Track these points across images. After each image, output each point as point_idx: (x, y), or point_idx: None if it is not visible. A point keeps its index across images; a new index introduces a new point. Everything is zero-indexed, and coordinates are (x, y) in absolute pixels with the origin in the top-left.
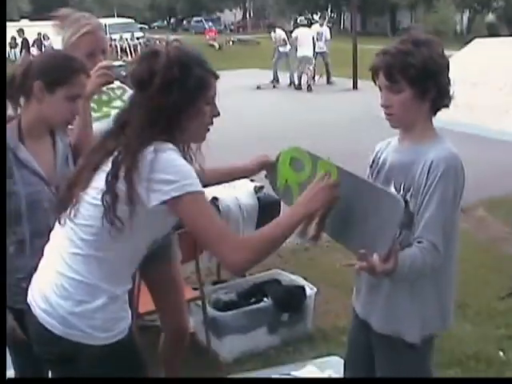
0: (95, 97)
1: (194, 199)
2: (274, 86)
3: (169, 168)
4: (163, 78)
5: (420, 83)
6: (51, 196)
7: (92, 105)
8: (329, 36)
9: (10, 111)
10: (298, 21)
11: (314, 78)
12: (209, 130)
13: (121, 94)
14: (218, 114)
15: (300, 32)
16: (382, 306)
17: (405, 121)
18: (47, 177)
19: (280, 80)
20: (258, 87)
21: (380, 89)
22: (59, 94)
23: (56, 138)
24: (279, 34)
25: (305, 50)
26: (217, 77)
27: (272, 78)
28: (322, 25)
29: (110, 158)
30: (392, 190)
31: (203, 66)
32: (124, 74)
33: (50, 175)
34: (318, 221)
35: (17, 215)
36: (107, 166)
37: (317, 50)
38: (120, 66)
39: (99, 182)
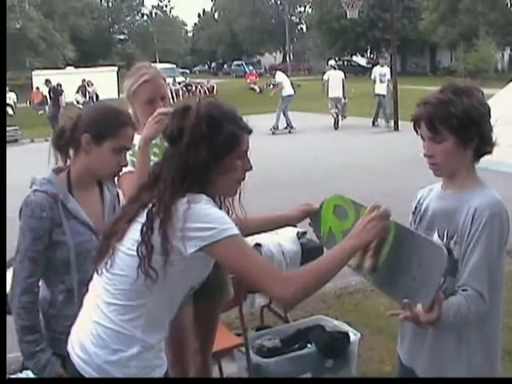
0: (157, 142)
1: (233, 242)
2: (289, 132)
3: (203, 217)
4: (191, 135)
5: (462, 132)
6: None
7: (154, 150)
8: (389, 76)
9: (60, 162)
10: (329, 64)
11: (343, 117)
12: (240, 184)
13: None
14: (251, 168)
15: (331, 74)
16: (428, 353)
17: (448, 169)
18: (95, 226)
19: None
20: (273, 132)
21: (422, 138)
22: (106, 147)
23: (104, 188)
24: (279, 77)
25: (335, 92)
26: (250, 132)
27: (286, 124)
28: (383, 65)
29: (145, 210)
30: (435, 238)
31: (235, 122)
32: None
33: (98, 225)
34: (373, 252)
35: (65, 264)
36: (142, 218)
37: (379, 91)
38: None
39: (134, 233)
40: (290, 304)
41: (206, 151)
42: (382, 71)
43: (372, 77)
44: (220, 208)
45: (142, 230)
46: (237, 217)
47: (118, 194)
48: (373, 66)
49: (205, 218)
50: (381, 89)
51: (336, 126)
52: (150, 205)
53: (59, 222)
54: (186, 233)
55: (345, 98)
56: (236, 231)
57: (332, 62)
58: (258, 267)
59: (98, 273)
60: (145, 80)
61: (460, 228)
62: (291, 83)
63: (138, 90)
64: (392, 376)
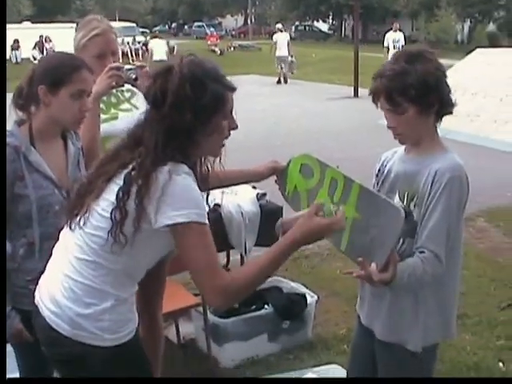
0: (104, 98)
1: (197, 229)
2: None
3: (179, 194)
4: (176, 97)
5: (422, 100)
6: (62, 199)
7: (100, 106)
8: (403, 42)
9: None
10: (276, 27)
11: (291, 73)
12: (224, 144)
13: (129, 97)
14: (236, 127)
15: (278, 37)
16: (386, 314)
17: (413, 138)
18: (58, 180)
19: None
20: None
21: (383, 110)
22: (63, 94)
23: (68, 141)
24: (151, 43)
25: (281, 51)
26: (234, 89)
27: None
28: (396, 30)
29: (124, 171)
30: (396, 200)
31: (219, 81)
32: (134, 76)
33: (60, 178)
34: None
35: (27, 218)
36: (120, 179)
37: None
38: (130, 69)
39: (111, 194)
40: (218, 308)
41: (192, 113)
42: (395, 37)
43: (385, 44)
44: (201, 166)
45: (117, 194)
46: (214, 171)
47: (82, 147)
48: (334, 32)
49: (181, 195)
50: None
51: (280, 81)
52: (130, 167)
53: (21, 175)
54: (161, 205)
55: (292, 57)
56: (204, 220)
57: (279, 25)
58: (206, 263)
59: (70, 228)
60: (96, 34)
61: (420, 190)
62: (170, 49)
63: (88, 44)
64: (347, 337)
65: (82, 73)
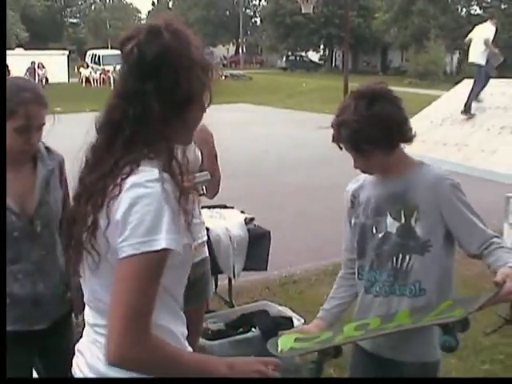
0: None
1: (145, 260)
2: None
3: (143, 216)
4: (161, 61)
5: (386, 141)
6: (22, 225)
7: None
8: None
9: None
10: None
11: None
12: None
13: None
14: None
15: None
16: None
17: (386, 170)
18: (20, 208)
19: None
20: None
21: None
22: (8, 127)
23: (38, 163)
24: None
25: None
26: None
27: None
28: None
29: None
30: (388, 221)
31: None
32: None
33: (23, 205)
34: None
35: None
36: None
37: None
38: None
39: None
40: (112, 361)
41: (174, 82)
42: None
43: None
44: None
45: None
46: None
47: (54, 169)
48: (325, 62)
49: (144, 218)
50: None
51: None
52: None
53: None
54: (119, 226)
55: None
56: (172, 245)
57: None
58: (133, 305)
59: (80, 277)
60: None
61: (420, 204)
62: None
63: None
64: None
65: (28, 107)
